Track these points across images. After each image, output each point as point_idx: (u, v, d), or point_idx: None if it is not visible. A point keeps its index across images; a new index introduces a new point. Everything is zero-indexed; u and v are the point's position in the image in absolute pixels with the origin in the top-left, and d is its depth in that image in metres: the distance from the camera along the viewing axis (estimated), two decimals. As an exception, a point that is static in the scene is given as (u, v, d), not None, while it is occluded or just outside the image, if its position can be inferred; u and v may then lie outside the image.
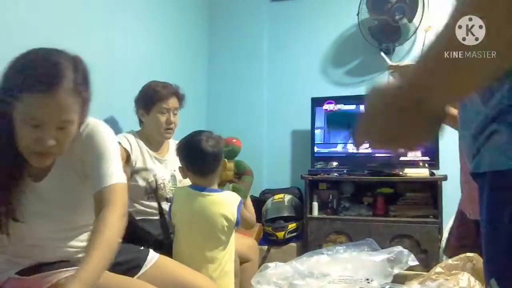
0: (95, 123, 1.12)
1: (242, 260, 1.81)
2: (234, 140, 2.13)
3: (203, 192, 1.55)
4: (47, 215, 1.10)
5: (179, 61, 2.88)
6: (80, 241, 1.19)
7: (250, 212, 1.69)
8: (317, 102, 2.93)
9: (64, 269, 1.14)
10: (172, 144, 1.97)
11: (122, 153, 1.76)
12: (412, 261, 1.24)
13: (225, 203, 1.55)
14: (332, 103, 2.90)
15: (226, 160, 1.87)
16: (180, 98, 1.96)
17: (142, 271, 1.35)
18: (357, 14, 2.85)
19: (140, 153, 1.84)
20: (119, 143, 1.75)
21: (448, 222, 1.86)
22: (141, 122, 1.95)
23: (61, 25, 1.83)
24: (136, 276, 1.32)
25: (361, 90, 3.01)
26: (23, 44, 1.65)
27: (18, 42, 1.64)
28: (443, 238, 2.04)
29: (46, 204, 1.10)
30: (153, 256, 1.41)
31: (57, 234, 1.14)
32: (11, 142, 0.96)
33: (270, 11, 3.28)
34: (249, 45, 3.25)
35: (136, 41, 2.40)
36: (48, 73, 0.93)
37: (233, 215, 1.53)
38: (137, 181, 1.79)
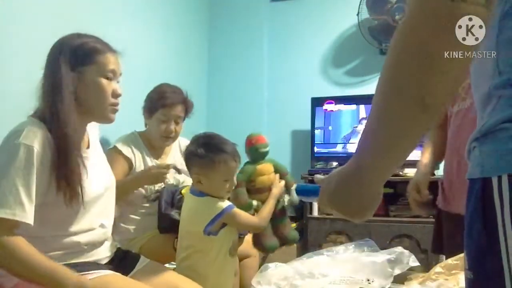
0: None
1: (242, 257, 1.78)
2: (253, 142, 1.71)
3: (191, 195, 1.52)
4: None
5: (179, 61, 2.88)
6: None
7: (261, 214, 1.58)
8: (317, 102, 2.93)
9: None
10: (172, 148, 1.94)
11: (123, 163, 1.74)
12: (413, 261, 1.24)
13: (198, 209, 1.47)
14: (332, 103, 2.90)
15: (252, 165, 1.70)
16: (188, 106, 1.88)
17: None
18: (357, 14, 2.85)
19: (142, 160, 1.80)
20: (121, 151, 1.73)
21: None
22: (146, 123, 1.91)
23: (61, 25, 1.83)
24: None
25: (361, 90, 3.01)
26: (23, 44, 1.66)
27: (18, 42, 1.65)
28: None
29: None
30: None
31: None
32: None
33: (270, 11, 3.27)
34: (249, 45, 3.25)
35: (136, 41, 2.40)
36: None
37: (200, 224, 1.43)
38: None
